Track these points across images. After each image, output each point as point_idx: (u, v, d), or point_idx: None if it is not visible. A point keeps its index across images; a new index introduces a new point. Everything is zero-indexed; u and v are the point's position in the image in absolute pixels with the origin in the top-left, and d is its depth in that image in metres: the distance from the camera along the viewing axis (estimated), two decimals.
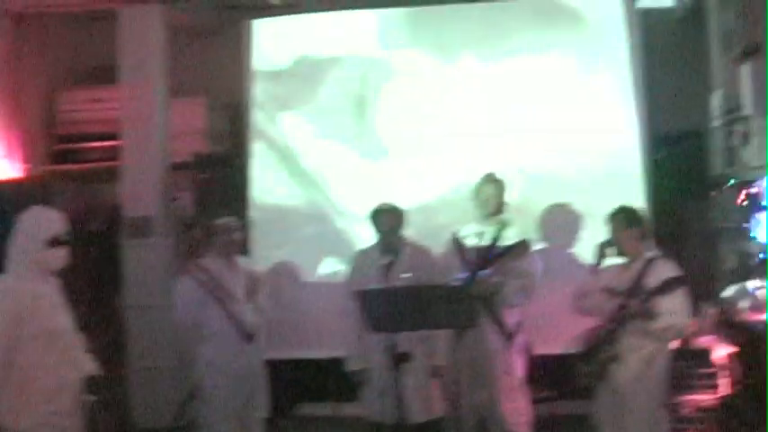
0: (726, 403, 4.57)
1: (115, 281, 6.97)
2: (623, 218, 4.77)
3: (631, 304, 4.49)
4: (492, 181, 5.53)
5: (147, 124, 6.94)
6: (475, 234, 5.49)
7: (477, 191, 5.54)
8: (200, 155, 7.25)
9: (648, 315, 4.47)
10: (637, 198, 6.19)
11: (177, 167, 7.19)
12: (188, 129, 7.42)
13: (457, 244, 5.59)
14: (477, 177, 5.61)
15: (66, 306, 4.16)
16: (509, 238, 5.42)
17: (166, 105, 7.12)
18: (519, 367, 5.43)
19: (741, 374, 4.77)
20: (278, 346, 6.47)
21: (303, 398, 7.17)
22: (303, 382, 7.11)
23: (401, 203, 5.37)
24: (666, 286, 4.45)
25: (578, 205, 6.51)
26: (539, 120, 6.66)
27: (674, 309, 4.50)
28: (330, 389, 6.56)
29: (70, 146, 7.69)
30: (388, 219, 5.13)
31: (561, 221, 6.56)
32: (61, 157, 7.72)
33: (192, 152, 7.24)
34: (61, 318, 4.08)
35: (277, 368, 6.31)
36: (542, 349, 5.99)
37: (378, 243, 5.23)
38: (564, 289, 6.10)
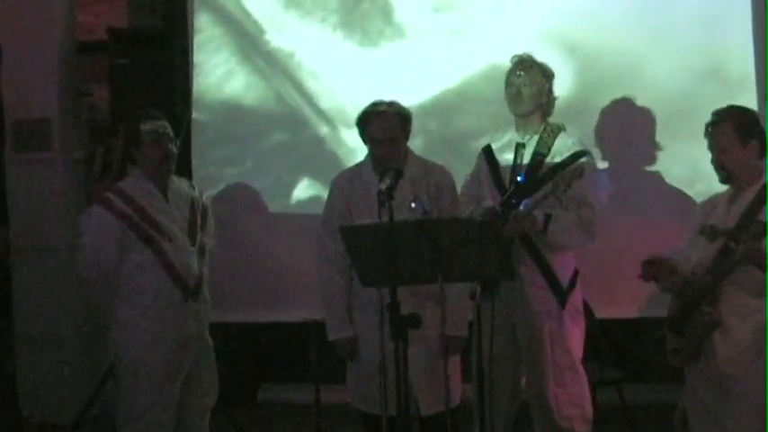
0: None
1: None
2: (734, 126, 4.66)
3: (738, 247, 4.41)
4: (530, 68, 5.43)
5: None
6: (514, 145, 5.45)
7: (510, 83, 5.45)
8: (118, 31, 7.13)
9: (762, 262, 4.40)
10: (750, 101, 6.14)
11: (86, 49, 7.09)
12: None
13: (488, 160, 5.53)
14: (510, 63, 5.55)
15: None
16: (561, 151, 5.37)
17: None
18: (575, 337, 5.42)
19: None
20: (233, 306, 6.51)
21: (268, 378, 7.21)
22: (268, 357, 7.14)
23: (406, 101, 5.28)
24: None
25: (665, 109, 6.46)
26: None
27: None
28: (306, 366, 6.56)
29: None
30: (385, 124, 5.04)
31: (637, 128, 6.51)
32: None
33: (108, 27, 7.11)
34: None
35: (232, 336, 6.33)
36: (608, 312, 6.01)
37: (371, 159, 5.15)
38: (638, 225, 6.09)
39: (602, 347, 5.92)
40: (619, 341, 6.31)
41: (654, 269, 4.80)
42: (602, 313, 6.00)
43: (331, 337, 5.19)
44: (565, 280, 5.38)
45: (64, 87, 6.95)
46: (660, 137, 6.47)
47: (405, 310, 4.34)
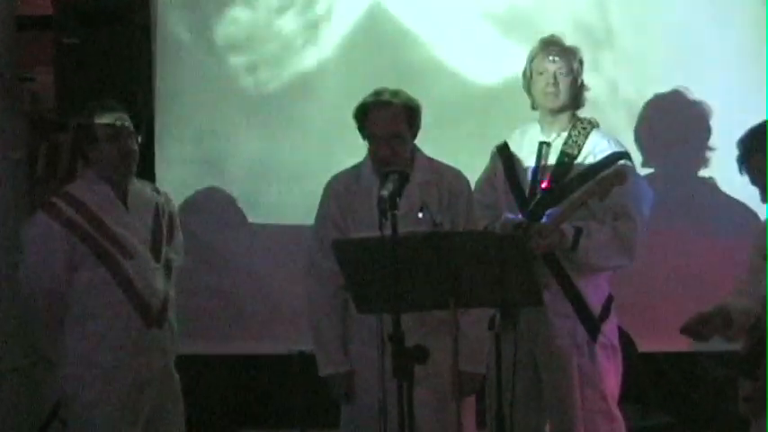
0: None
1: None
2: None
3: None
4: (563, 52, 5.50)
5: None
6: (537, 144, 5.51)
7: (540, 70, 5.51)
8: (66, 4, 7.05)
9: None
10: None
11: (26, 25, 7.10)
12: None
13: (504, 160, 5.60)
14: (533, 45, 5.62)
15: None
16: (594, 152, 5.44)
17: None
18: (609, 376, 5.47)
19: None
20: (204, 335, 6.53)
21: (247, 421, 7.21)
22: (247, 396, 7.15)
23: (414, 89, 5.33)
24: None
25: (723, 103, 6.51)
26: None
27: None
28: (292, 406, 6.59)
29: None
30: (388, 117, 5.07)
31: (688, 126, 6.57)
32: None
33: None
34: None
35: (203, 371, 6.36)
36: (653, 344, 6.04)
37: (372, 159, 5.21)
38: (689, 241, 6.11)
39: (646, 387, 5.96)
40: (666, 379, 6.33)
41: (703, 329, 4.82)
42: (645, 346, 6.03)
43: (322, 372, 5.21)
44: (596, 308, 5.42)
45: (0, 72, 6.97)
46: (716, 137, 6.49)
47: (410, 341, 4.33)
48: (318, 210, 5.34)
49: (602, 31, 6.61)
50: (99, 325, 5.24)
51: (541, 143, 5.46)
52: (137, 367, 5.27)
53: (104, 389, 5.23)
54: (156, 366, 5.33)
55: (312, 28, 6.89)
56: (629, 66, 6.62)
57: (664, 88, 6.54)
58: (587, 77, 5.58)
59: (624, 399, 5.51)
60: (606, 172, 5.29)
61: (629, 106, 6.59)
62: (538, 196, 5.40)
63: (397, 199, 4.44)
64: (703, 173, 6.56)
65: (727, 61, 6.53)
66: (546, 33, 5.63)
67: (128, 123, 5.36)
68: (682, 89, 6.48)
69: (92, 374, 5.24)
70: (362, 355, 5.10)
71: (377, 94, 5.13)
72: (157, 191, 5.61)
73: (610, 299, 5.47)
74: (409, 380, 4.36)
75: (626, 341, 5.63)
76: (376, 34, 6.84)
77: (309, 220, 5.48)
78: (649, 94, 6.56)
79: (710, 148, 6.50)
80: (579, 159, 5.42)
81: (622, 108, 6.59)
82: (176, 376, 5.47)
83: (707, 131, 6.50)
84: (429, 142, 5.33)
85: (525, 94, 5.59)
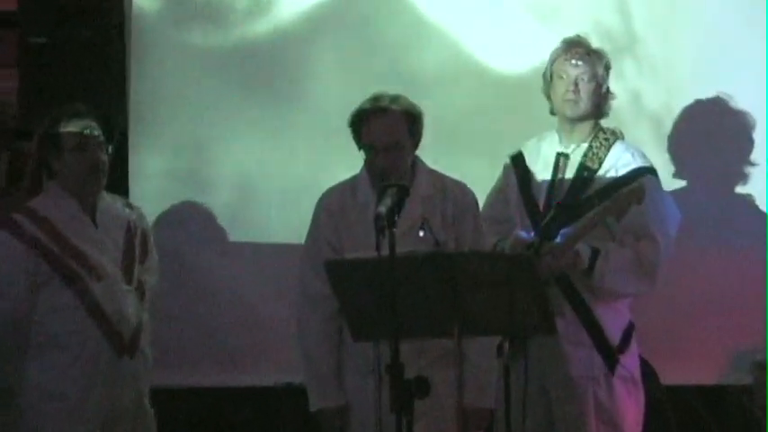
0: None
1: None
2: None
3: None
4: (587, 55, 5.48)
5: None
6: (555, 155, 5.50)
7: (560, 74, 5.50)
8: None
9: None
10: None
11: None
12: None
13: (518, 172, 5.59)
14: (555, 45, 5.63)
15: None
16: (616, 166, 5.43)
17: None
18: (629, 411, 5.46)
19: None
20: (182, 365, 6.51)
21: None
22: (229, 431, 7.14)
23: (414, 94, 5.33)
24: None
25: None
26: None
27: None
28: None
29: None
30: (387, 125, 5.06)
31: (725, 137, 6.57)
32: None
33: None
34: None
35: (181, 405, 6.32)
36: (678, 376, 6.02)
37: (369, 171, 5.18)
38: (721, 263, 6.10)
39: (670, 423, 5.93)
40: (693, 415, 6.30)
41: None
42: (670, 378, 6.02)
43: (314, 406, 5.19)
44: (615, 336, 5.42)
45: None
46: (758, 149, 6.51)
47: (410, 372, 4.30)
48: (310, 228, 5.34)
49: (624, 37, 6.60)
50: (64, 354, 5.22)
51: (559, 154, 5.47)
52: (107, 401, 5.24)
53: (70, 424, 5.21)
54: (127, 400, 5.31)
55: (306, 25, 6.86)
56: (653, 73, 6.60)
57: (691, 97, 6.55)
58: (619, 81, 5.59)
59: None
60: (623, 189, 5.26)
61: (653, 117, 6.59)
62: (552, 212, 5.37)
63: (396, 216, 4.39)
64: (740, 189, 6.55)
65: (760, 68, 6.51)
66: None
67: (97, 132, 5.34)
68: (720, 95, 6.49)
69: (56, 408, 5.21)
70: (358, 387, 5.08)
71: (375, 99, 5.13)
72: (130, 206, 5.60)
73: (630, 327, 5.47)
74: (409, 415, 4.32)
75: (648, 372, 5.60)
76: (374, 34, 6.81)
77: (299, 238, 5.48)
78: (675, 103, 6.57)
79: (750, 163, 6.49)
80: (600, 173, 5.43)
81: (645, 119, 6.59)
82: (150, 411, 5.44)
83: (749, 144, 6.50)
84: (431, 152, 5.30)
85: (533, 106, 5.58)
